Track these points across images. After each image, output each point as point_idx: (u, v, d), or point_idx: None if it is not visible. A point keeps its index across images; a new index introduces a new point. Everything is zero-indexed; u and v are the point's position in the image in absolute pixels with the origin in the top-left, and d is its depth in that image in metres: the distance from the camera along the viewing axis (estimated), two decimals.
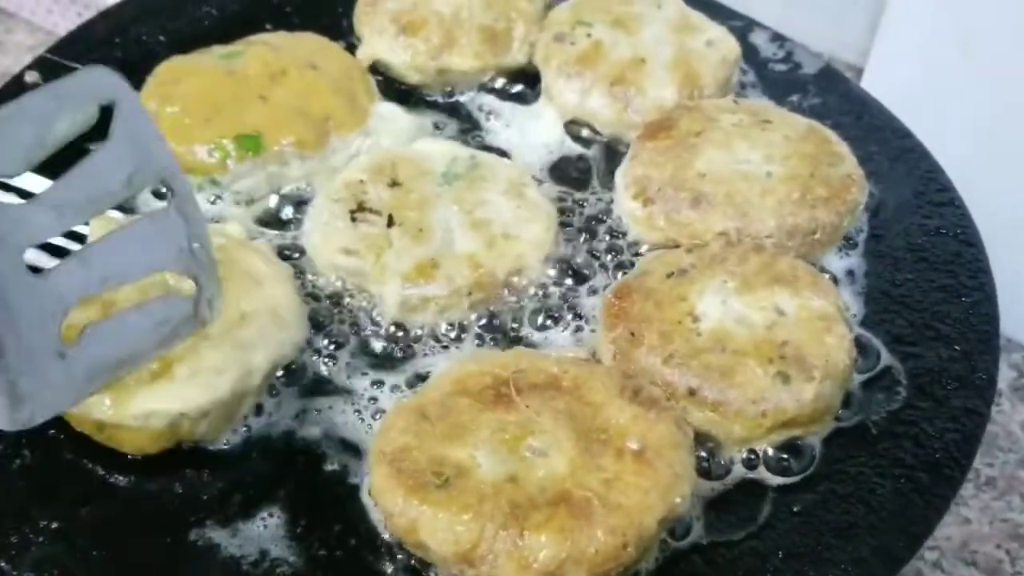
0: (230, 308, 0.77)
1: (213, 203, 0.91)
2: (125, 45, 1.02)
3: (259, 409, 0.78)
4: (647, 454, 0.70)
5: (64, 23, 1.53)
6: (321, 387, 0.80)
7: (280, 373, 0.80)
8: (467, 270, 0.84)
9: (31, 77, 0.97)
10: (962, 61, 1.16)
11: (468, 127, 1.01)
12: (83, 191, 0.65)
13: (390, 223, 0.87)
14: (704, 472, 0.76)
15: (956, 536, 1.11)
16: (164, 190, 0.70)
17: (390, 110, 0.97)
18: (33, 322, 0.64)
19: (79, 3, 1.48)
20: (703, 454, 0.76)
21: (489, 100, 1.03)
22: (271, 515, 0.73)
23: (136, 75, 0.97)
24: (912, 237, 0.91)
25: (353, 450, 0.77)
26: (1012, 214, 1.11)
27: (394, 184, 0.89)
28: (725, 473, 0.76)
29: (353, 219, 0.87)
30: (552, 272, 0.88)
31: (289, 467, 0.76)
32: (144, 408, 0.72)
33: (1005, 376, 1.24)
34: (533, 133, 1.00)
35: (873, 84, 1.20)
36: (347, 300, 0.86)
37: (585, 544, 0.66)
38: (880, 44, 1.25)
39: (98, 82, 0.67)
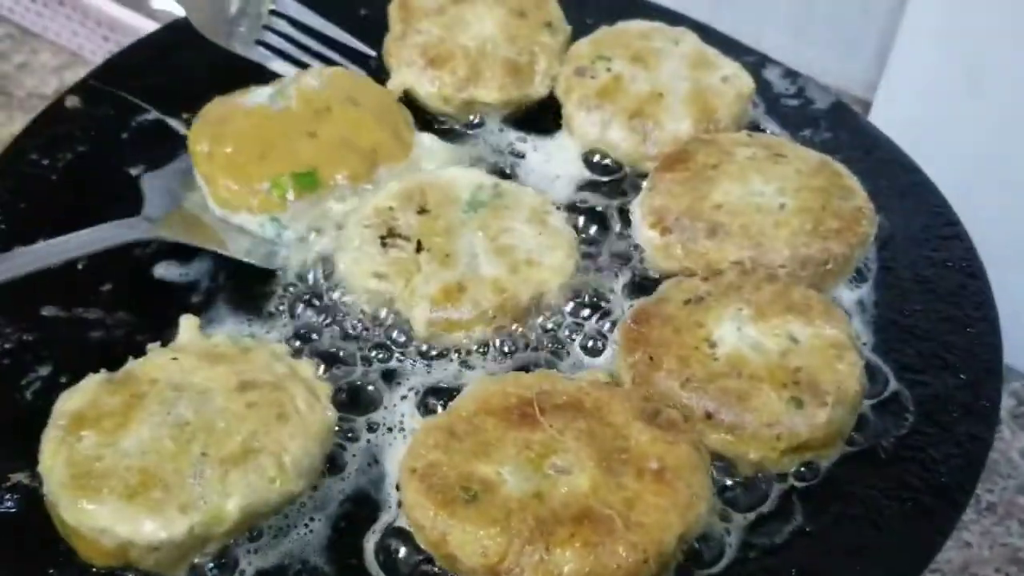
0: (241, 439, 0.75)
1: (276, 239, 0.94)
2: (165, 70, 1.06)
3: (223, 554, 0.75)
4: (666, 474, 0.73)
5: (89, 45, 1.57)
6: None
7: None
8: (491, 294, 0.87)
9: (71, 102, 1.01)
10: (969, 95, 1.19)
11: (492, 157, 1.04)
12: None
13: (419, 248, 0.90)
14: (728, 497, 0.79)
15: (957, 560, 1.14)
16: None
17: (430, 140, 1.01)
18: None
19: (104, 26, 1.51)
20: (730, 482, 0.80)
21: (512, 131, 1.06)
22: None
23: (176, 100, 1.01)
24: (920, 269, 0.94)
25: None
26: (1015, 245, 1.14)
27: (422, 211, 0.93)
28: (746, 497, 0.79)
29: (383, 244, 0.90)
30: (571, 297, 0.91)
31: None
32: (98, 523, 0.70)
33: (1005, 404, 1.27)
34: (553, 163, 1.04)
35: (881, 118, 1.24)
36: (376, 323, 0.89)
37: (607, 559, 0.69)
38: (888, 79, 1.28)
39: None
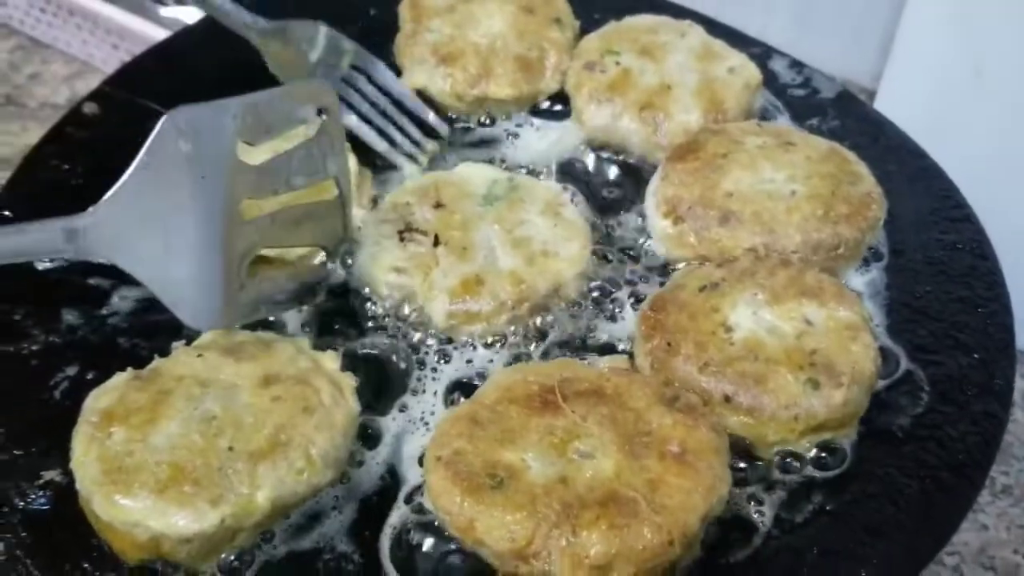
0: (268, 432, 0.76)
1: None
2: (178, 75, 1.07)
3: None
4: (688, 457, 0.75)
5: (99, 54, 1.58)
6: None
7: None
8: (509, 286, 0.89)
9: (89, 108, 1.02)
10: (974, 83, 1.20)
11: (505, 151, 1.06)
12: (287, 168, 0.84)
13: (436, 242, 0.91)
14: (748, 478, 0.80)
15: (974, 542, 1.15)
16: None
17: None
18: (234, 257, 0.83)
19: (114, 34, 1.53)
20: (742, 465, 0.81)
21: (525, 127, 1.08)
22: None
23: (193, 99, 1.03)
24: (930, 251, 0.95)
25: None
26: (1020, 228, 1.15)
27: (438, 206, 0.94)
28: (764, 476, 0.81)
29: (401, 239, 0.92)
30: (587, 287, 0.93)
31: None
32: (131, 516, 0.72)
33: (1017, 386, 1.27)
34: (564, 155, 1.06)
35: (886, 106, 1.25)
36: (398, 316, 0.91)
37: (633, 541, 0.70)
38: (892, 68, 1.30)
39: (320, 92, 0.85)
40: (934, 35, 1.22)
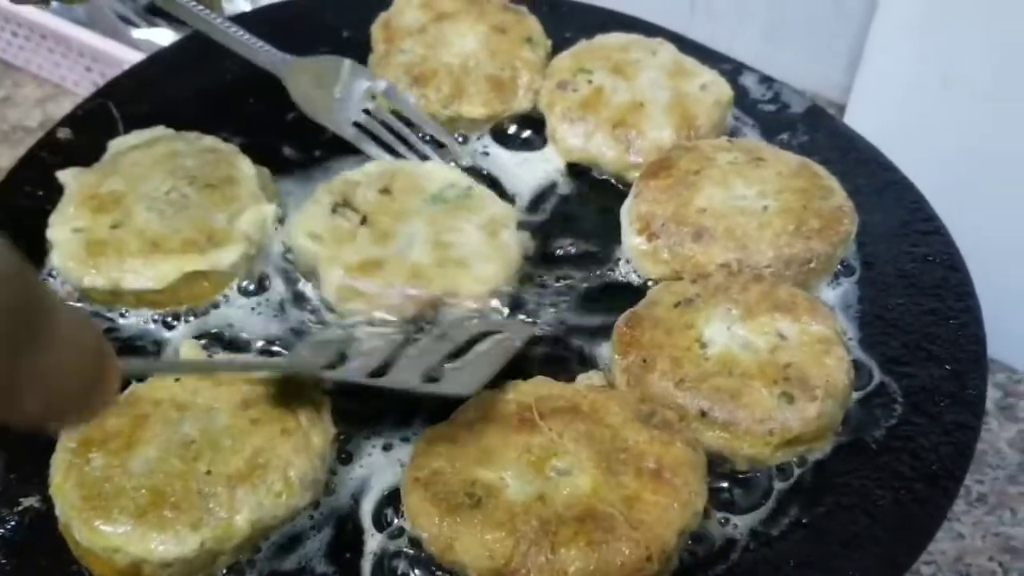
0: (247, 455, 0.76)
1: None
2: (152, 100, 1.07)
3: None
4: (664, 473, 0.75)
5: (72, 76, 1.58)
6: None
7: None
8: (405, 277, 0.89)
9: (63, 134, 1.02)
10: (941, 93, 1.22)
11: (475, 169, 1.06)
12: None
13: (362, 222, 0.94)
14: (725, 494, 0.81)
15: (950, 551, 1.16)
16: None
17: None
18: None
19: (87, 57, 1.52)
20: (725, 484, 0.82)
21: (496, 146, 1.09)
22: None
23: (169, 124, 1.03)
24: (901, 264, 0.96)
25: None
26: (990, 240, 1.16)
27: (384, 191, 0.96)
28: (742, 492, 0.81)
29: (333, 211, 0.94)
30: (493, 303, 0.92)
31: None
32: (111, 542, 0.72)
33: (991, 396, 1.29)
34: (538, 175, 1.06)
35: (856, 120, 1.26)
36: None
37: (612, 556, 0.71)
38: (861, 80, 1.31)
39: None
40: (902, 47, 1.23)
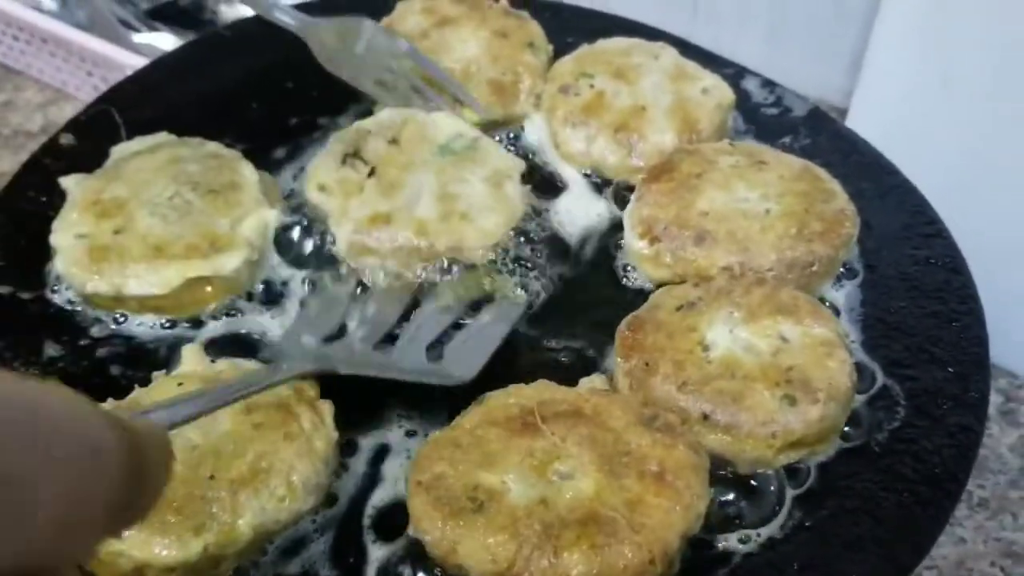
0: (250, 459, 0.77)
1: None
2: (153, 105, 1.07)
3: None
4: (667, 476, 0.75)
5: (73, 81, 1.58)
6: None
7: None
8: (412, 233, 0.92)
9: (66, 139, 1.02)
10: (941, 94, 1.22)
11: None
12: None
13: (371, 174, 0.96)
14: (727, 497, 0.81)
15: (952, 555, 1.15)
16: None
17: None
18: None
19: (88, 62, 1.53)
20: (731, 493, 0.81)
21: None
22: None
23: (172, 130, 1.03)
24: (903, 267, 0.96)
25: None
26: (993, 243, 1.16)
27: (393, 142, 0.99)
28: (743, 492, 0.81)
29: (343, 162, 0.97)
30: (491, 258, 0.96)
31: None
32: (115, 546, 0.72)
33: (993, 401, 1.28)
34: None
35: (857, 123, 1.26)
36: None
37: (614, 560, 0.71)
38: (863, 84, 1.31)
39: None
40: (903, 49, 1.23)
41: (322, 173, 0.97)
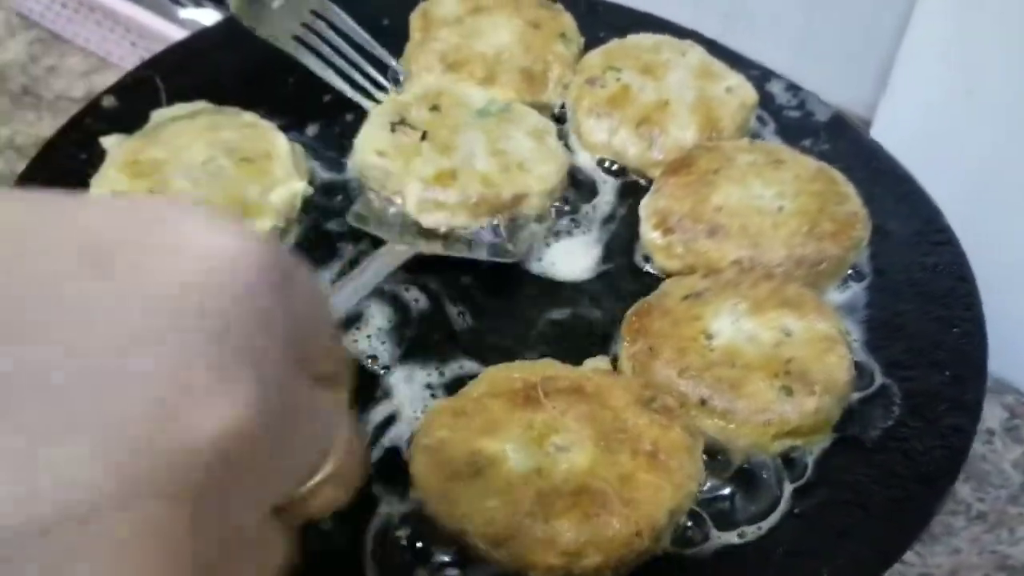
0: None
1: None
2: (195, 74, 1.11)
3: None
4: (660, 455, 0.78)
5: (117, 51, 1.62)
6: None
7: None
8: (479, 185, 0.98)
9: (107, 101, 1.06)
10: (965, 105, 1.23)
11: None
12: None
13: (423, 137, 1.01)
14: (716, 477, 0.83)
15: (946, 564, 1.17)
16: None
17: None
18: None
19: (133, 33, 1.56)
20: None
21: None
22: None
23: (210, 99, 1.07)
24: (911, 273, 0.98)
25: None
26: (1008, 258, 1.18)
27: (434, 108, 1.04)
28: (735, 479, 0.83)
29: (392, 130, 1.02)
30: (551, 206, 1.03)
31: None
32: None
33: (998, 416, 1.30)
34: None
35: (882, 132, 1.28)
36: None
37: (602, 529, 0.73)
38: (889, 96, 1.32)
39: None
40: (930, 61, 1.25)
41: (376, 140, 1.02)
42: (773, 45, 1.44)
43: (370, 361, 0.90)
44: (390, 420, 0.86)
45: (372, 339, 0.92)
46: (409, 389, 0.89)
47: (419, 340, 0.93)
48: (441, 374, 0.90)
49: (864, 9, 1.37)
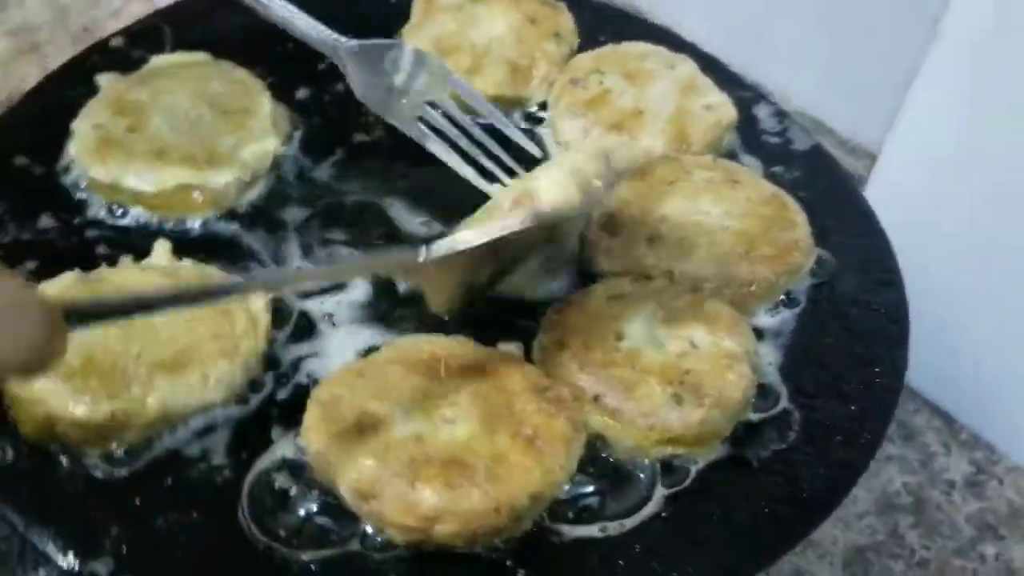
0: (175, 348, 0.85)
1: None
2: (204, 27, 1.17)
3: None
4: (537, 442, 0.81)
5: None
6: None
7: None
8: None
9: (116, 42, 1.13)
10: (968, 158, 1.22)
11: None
12: None
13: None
14: (590, 471, 0.85)
15: None
16: None
17: None
18: None
19: None
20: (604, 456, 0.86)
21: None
22: None
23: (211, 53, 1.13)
24: (846, 307, 0.98)
25: None
26: (992, 317, 1.17)
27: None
28: (610, 476, 0.85)
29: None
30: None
31: None
32: (35, 394, 0.80)
33: (963, 470, 1.30)
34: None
35: (882, 172, 1.28)
36: None
37: (461, 500, 0.77)
38: (894, 134, 1.32)
39: None
40: (936, 109, 1.24)
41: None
42: (798, 71, 1.46)
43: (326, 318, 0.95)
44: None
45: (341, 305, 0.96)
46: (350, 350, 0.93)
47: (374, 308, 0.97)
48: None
49: (884, 46, 1.37)
